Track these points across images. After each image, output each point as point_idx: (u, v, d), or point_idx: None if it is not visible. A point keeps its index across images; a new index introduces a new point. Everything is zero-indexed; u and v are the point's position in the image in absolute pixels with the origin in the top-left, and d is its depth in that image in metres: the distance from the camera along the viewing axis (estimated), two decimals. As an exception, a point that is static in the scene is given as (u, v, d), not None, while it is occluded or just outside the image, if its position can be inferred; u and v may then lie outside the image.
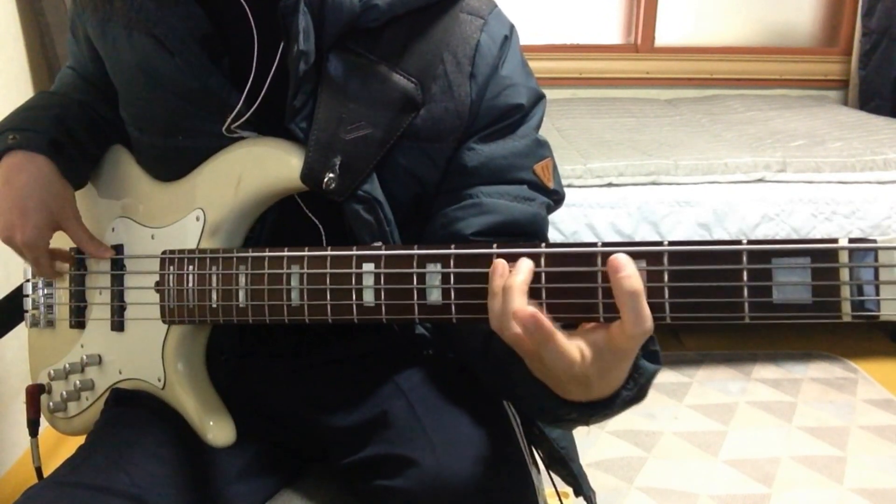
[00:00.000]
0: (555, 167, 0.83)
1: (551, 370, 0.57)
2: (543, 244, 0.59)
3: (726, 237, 2.11)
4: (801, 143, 2.40)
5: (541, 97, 0.83)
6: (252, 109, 0.76)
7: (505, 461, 0.76)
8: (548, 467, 0.94)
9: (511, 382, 0.68)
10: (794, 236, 2.13)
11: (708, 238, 2.10)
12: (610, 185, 2.12)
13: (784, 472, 1.72)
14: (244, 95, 0.75)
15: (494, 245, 0.62)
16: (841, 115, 2.79)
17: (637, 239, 2.10)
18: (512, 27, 0.83)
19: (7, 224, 0.80)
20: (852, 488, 1.67)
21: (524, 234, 0.78)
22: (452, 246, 0.63)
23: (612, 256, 0.54)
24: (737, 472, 1.73)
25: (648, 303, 0.54)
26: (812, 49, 3.32)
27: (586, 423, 0.66)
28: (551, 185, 0.82)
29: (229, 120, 0.75)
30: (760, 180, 2.15)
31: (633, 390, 0.62)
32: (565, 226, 2.07)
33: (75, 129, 0.85)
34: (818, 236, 2.11)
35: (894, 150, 2.24)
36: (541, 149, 0.82)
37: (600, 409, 0.62)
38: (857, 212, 2.12)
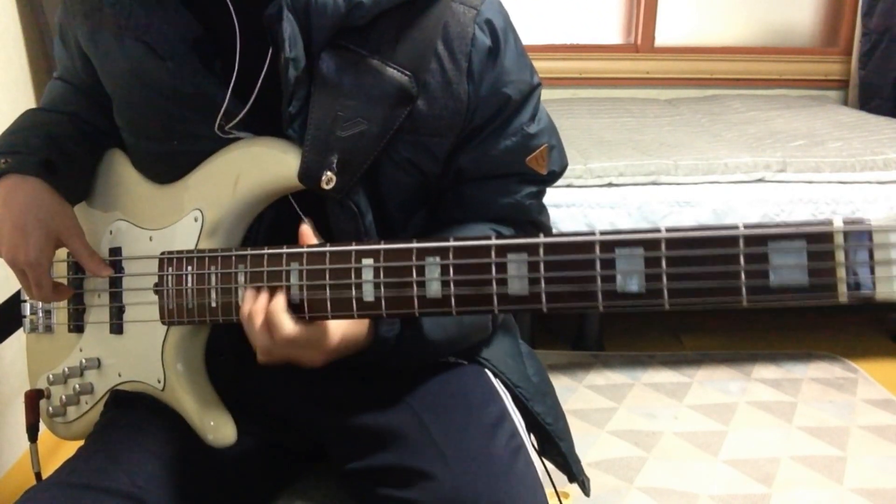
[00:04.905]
0: (552, 147, 0.85)
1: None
2: (542, 234, 0.60)
3: (726, 237, 2.10)
4: (801, 143, 2.39)
5: (534, 88, 0.84)
6: (245, 109, 0.75)
7: (519, 474, 0.76)
8: (541, 454, 0.93)
9: None
10: (795, 236, 2.12)
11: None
12: (610, 185, 2.12)
13: (784, 472, 1.72)
14: (229, 94, 0.75)
15: (493, 236, 0.62)
16: (841, 115, 2.78)
17: (637, 239, 2.09)
18: (506, 15, 0.83)
19: (10, 245, 0.80)
20: (852, 488, 1.66)
21: (510, 220, 0.84)
22: (451, 239, 0.63)
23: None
24: (737, 472, 1.72)
25: (647, 289, 0.55)
26: (812, 49, 3.31)
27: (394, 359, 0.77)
28: (544, 170, 0.84)
29: (219, 117, 0.75)
30: (760, 180, 2.15)
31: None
32: (565, 226, 2.07)
33: (67, 145, 0.85)
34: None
35: (894, 150, 2.24)
36: (532, 141, 0.83)
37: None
38: (857, 212, 2.12)
